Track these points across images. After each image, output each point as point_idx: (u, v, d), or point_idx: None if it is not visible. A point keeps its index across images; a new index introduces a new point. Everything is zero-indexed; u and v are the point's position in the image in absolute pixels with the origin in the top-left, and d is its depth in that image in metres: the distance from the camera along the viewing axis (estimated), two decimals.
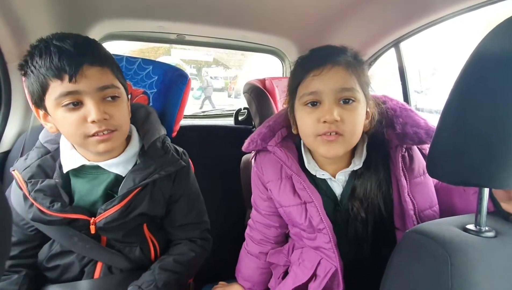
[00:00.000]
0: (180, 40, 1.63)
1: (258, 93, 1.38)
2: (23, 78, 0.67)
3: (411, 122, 0.68)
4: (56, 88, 0.62)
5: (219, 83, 7.58)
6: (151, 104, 0.95)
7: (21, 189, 0.70)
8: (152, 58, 1.03)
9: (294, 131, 0.75)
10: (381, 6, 1.10)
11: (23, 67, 0.65)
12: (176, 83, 0.94)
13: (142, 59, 0.97)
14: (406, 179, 0.68)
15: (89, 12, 1.23)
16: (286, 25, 1.40)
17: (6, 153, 1.00)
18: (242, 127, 1.66)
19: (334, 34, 1.36)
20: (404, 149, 0.69)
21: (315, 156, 0.75)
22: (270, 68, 1.96)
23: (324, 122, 0.64)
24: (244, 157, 1.25)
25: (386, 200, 0.71)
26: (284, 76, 1.84)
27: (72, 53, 0.62)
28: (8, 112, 1.01)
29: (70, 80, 0.62)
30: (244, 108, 1.68)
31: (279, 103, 1.42)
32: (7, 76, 0.99)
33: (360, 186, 0.71)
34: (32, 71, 0.63)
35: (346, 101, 0.65)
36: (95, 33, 1.35)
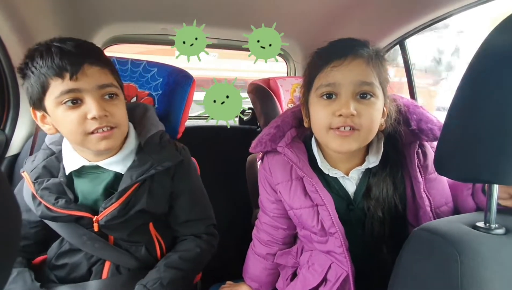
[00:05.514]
0: None
1: (263, 93, 1.38)
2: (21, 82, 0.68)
3: (424, 118, 0.67)
4: (57, 87, 0.64)
5: None
6: (156, 106, 0.95)
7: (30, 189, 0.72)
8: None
9: (306, 125, 0.73)
10: (386, 3, 1.09)
11: (23, 70, 0.67)
12: (181, 84, 0.94)
13: (146, 61, 0.97)
14: (421, 175, 0.66)
15: (94, 16, 1.25)
16: (290, 24, 1.40)
17: (16, 156, 1.01)
18: (247, 127, 1.67)
19: (338, 33, 1.33)
20: (417, 146, 0.68)
21: (327, 154, 0.73)
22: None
23: (340, 115, 0.62)
24: (250, 157, 1.25)
25: (401, 198, 0.70)
26: (288, 75, 1.84)
27: (73, 53, 0.64)
28: (16, 115, 1.03)
29: (71, 78, 0.63)
30: (249, 108, 1.68)
31: (284, 103, 1.42)
32: (15, 80, 1.00)
33: (377, 185, 0.69)
34: (32, 72, 0.64)
35: (364, 96, 0.63)
36: (100, 37, 1.36)
